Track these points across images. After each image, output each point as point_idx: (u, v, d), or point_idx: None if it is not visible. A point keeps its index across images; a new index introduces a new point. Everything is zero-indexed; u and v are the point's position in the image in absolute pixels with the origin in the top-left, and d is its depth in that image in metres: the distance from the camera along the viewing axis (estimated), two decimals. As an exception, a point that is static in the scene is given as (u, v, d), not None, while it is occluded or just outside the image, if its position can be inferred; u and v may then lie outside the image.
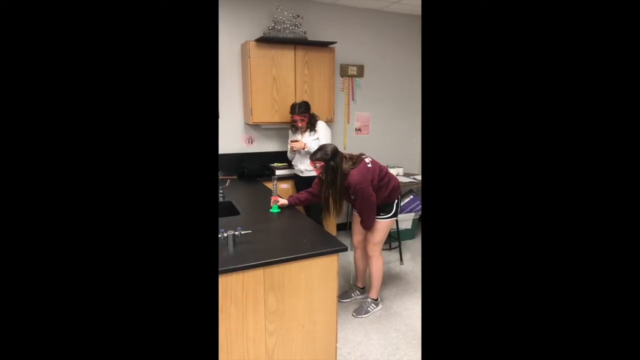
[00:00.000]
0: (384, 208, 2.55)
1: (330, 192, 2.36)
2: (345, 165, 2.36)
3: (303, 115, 3.26)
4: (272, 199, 2.42)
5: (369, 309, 2.69)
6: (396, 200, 2.60)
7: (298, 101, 3.39)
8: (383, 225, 2.60)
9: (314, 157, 2.36)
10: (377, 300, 2.75)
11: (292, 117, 3.32)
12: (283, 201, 2.45)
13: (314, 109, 3.70)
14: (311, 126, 3.34)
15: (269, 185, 3.22)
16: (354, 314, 2.66)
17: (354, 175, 2.34)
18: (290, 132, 3.53)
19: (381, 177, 2.47)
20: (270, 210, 2.40)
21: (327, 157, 2.31)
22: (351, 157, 2.44)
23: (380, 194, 2.46)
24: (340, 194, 2.37)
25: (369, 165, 2.42)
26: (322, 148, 2.36)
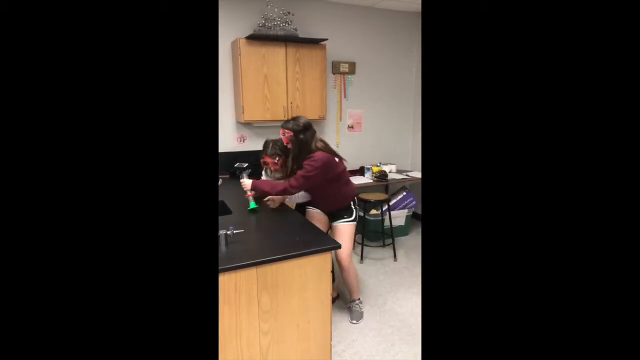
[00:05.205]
0: (345, 211, 2.45)
1: (295, 166, 2.28)
2: (318, 144, 2.29)
3: (273, 158, 2.51)
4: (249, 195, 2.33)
5: (362, 310, 2.67)
6: (352, 205, 2.48)
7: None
8: (348, 229, 2.46)
9: (285, 125, 2.28)
10: (359, 298, 2.68)
11: (261, 158, 2.57)
12: (247, 183, 2.33)
13: (305, 107, 3.65)
14: (287, 170, 2.47)
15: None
16: (353, 322, 2.56)
17: (319, 154, 2.24)
18: (263, 172, 2.78)
19: (337, 178, 2.36)
20: (248, 208, 2.30)
21: (298, 128, 2.25)
22: (326, 144, 2.36)
23: (331, 187, 2.36)
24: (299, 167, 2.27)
25: (336, 160, 2.34)
26: (295, 118, 2.31)
